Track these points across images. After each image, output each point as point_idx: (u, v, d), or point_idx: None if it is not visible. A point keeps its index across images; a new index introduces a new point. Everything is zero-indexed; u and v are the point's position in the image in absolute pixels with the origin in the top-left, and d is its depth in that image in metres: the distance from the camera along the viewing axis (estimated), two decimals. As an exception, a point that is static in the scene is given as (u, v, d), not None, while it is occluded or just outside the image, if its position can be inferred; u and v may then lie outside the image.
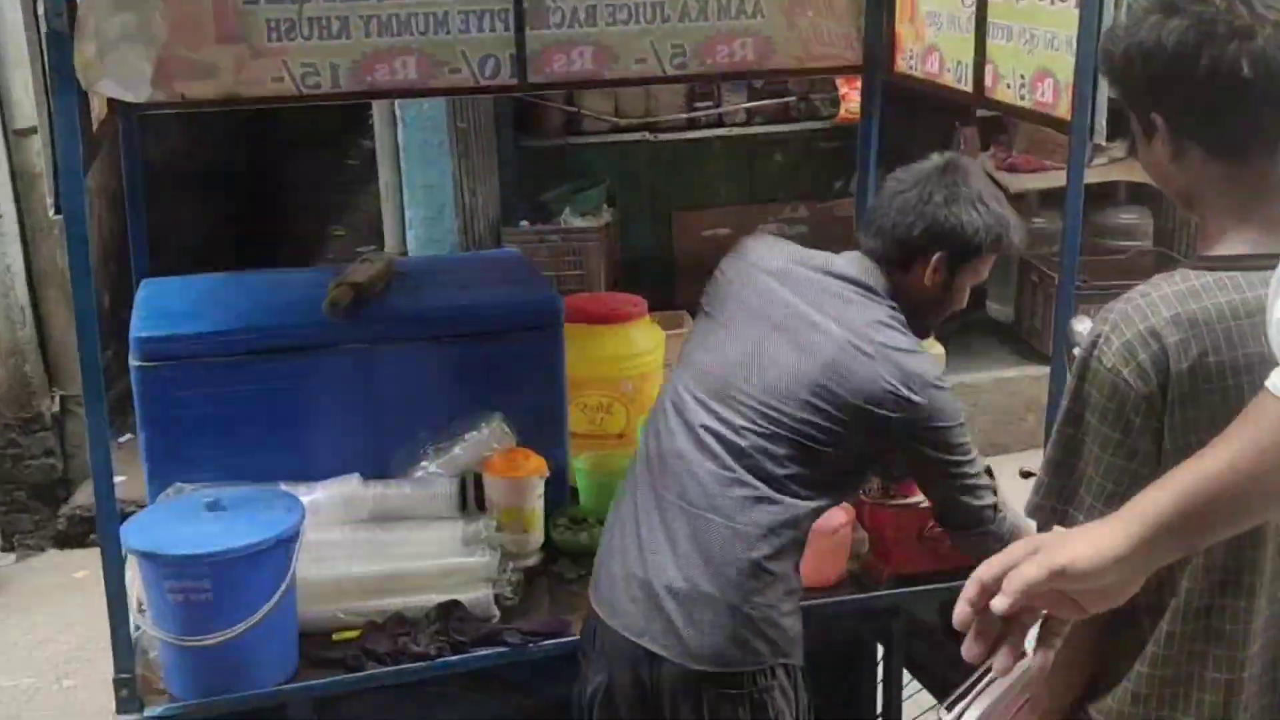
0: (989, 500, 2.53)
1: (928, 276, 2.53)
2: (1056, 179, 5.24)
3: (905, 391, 2.40)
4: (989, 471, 2.58)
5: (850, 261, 2.56)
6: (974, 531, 2.54)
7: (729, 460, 2.43)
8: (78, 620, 4.58)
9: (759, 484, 2.42)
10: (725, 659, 2.40)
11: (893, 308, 2.52)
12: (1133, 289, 1.82)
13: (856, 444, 2.47)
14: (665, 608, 2.41)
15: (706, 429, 2.46)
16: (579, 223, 5.96)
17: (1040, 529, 1.93)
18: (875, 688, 3.30)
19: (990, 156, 6.30)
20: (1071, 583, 1.39)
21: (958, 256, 2.52)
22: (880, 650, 3.21)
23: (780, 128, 6.35)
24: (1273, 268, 1.77)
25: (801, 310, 2.49)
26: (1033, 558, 1.41)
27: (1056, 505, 1.86)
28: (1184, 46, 1.74)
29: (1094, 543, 1.40)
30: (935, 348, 3.18)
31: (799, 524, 2.46)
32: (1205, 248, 1.83)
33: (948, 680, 2.96)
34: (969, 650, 1.45)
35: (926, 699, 3.21)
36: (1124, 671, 1.88)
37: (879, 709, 3.31)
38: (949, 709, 2.33)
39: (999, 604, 1.40)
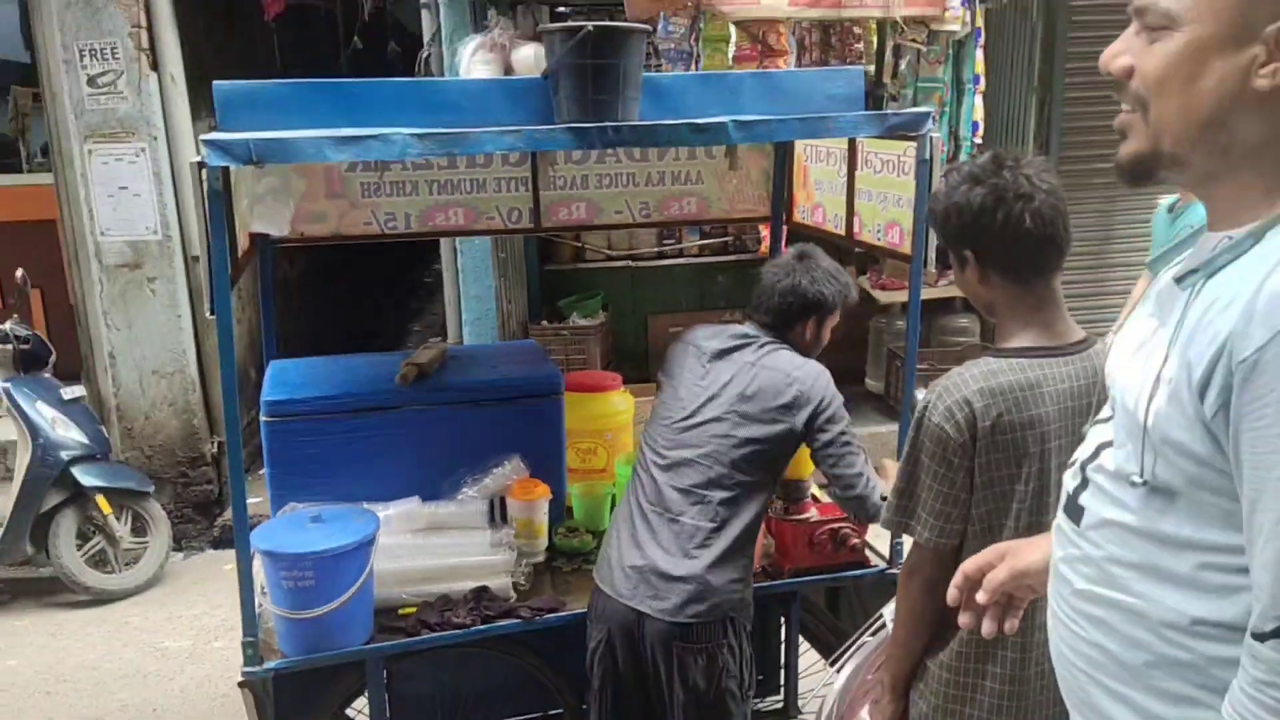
0: (865, 469, 2.47)
1: (806, 333, 2.59)
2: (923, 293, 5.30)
3: (805, 388, 2.44)
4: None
5: (752, 327, 2.61)
6: (857, 490, 2.45)
7: (689, 480, 2.45)
8: (225, 602, 4.52)
9: (712, 495, 2.44)
10: (689, 613, 2.40)
11: (781, 345, 2.57)
12: (951, 370, 1.85)
13: (778, 442, 2.46)
14: (650, 580, 2.42)
15: (673, 460, 2.49)
16: (583, 322, 5.98)
17: (892, 534, 1.95)
18: (780, 647, 3.28)
19: (867, 278, 6.35)
20: (1029, 579, 1.40)
21: (823, 316, 2.60)
22: (783, 621, 3.19)
23: (722, 258, 6.40)
24: (1047, 356, 1.81)
25: (719, 365, 2.53)
26: (1002, 564, 1.43)
27: (901, 519, 1.88)
28: (985, 206, 1.79)
29: (1041, 550, 1.40)
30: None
31: (745, 522, 2.47)
32: (1001, 342, 1.87)
33: (830, 643, 2.98)
34: (962, 620, 1.48)
35: (814, 656, 3.19)
36: (949, 636, 1.88)
37: (783, 662, 3.28)
38: (833, 663, 2.34)
39: (981, 598, 1.43)
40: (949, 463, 1.79)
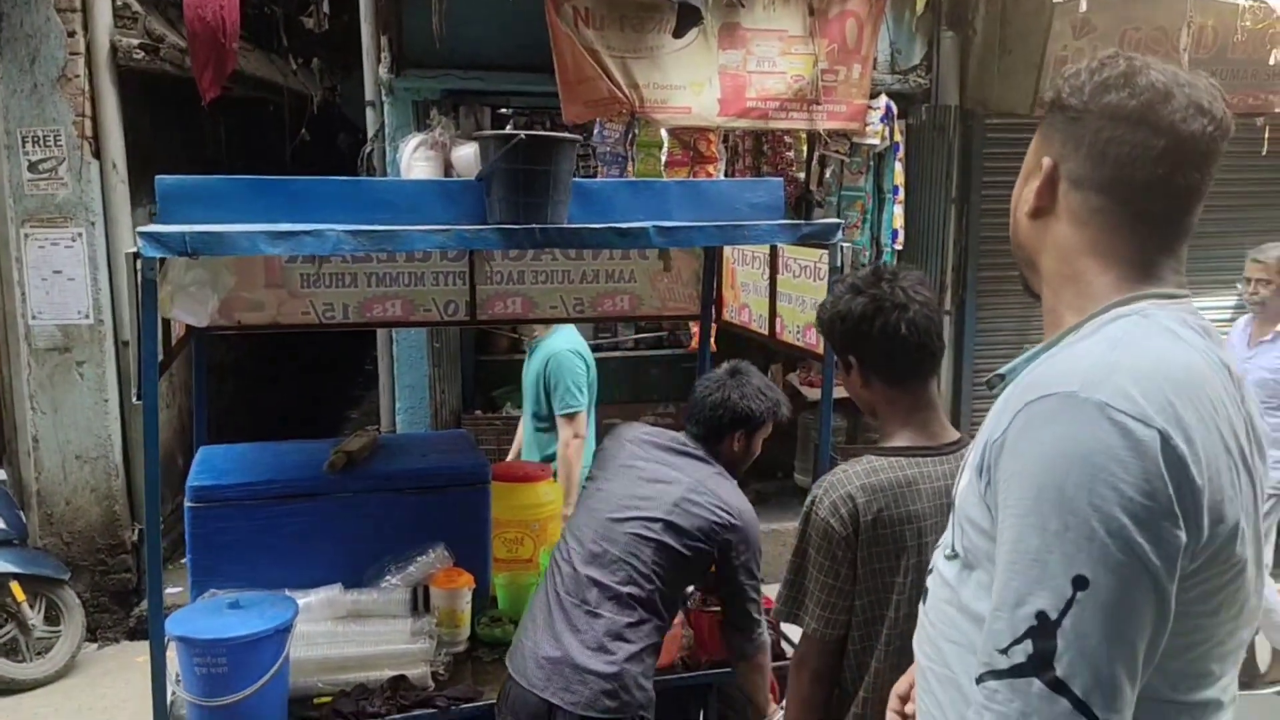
0: (760, 616, 2.60)
1: (735, 445, 2.66)
2: (839, 391, 5.43)
3: (730, 519, 2.50)
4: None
5: (687, 438, 2.67)
6: (747, 635, 2.58)
7: (608, 574, 2.48)
8: (136, 694, 4.37)
9: (629, 591, 2.47)
10: (600, 708, 2.41)
11: (718, 468, 2.62)
12: (836, 467, 1.95)
13: (694, 564, 2.53)
14: (564, 672, 2.43)
15: (595, 552, 2.52)
16: (516, 413, 5.93)
17: (784, 621, 2.01)
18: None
19: (796, 374, 6.51)
20: None
21: (752, 430, 2.67)
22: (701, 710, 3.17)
23: (656, 352, 6.48)
24: (923, 456, 1.92)
25: (656, 468, 2.59)
26: None
27: (791, 610, 1.95)
28: (864, 315, 1.93)
29: None
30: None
31: (655, 621, 2.51)
32: (883, 441, 1.97)
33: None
34: None
35: None
36: (843, 715, 1.94)
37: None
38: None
39: (909, 709, 1.51)
40: (834, 555, 1.87)
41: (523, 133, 2.50)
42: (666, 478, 2.56)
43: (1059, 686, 1.00)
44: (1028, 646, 1.02)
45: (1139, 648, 1.02)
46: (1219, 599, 1.10)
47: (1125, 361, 1.07)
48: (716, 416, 2.64)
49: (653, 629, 2.51)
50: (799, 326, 3.24)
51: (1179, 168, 1.13)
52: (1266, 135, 5.64)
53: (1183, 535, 1.01)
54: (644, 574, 2.48)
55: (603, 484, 2.66)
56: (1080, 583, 1.00)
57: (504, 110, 5.66)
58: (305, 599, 2.76)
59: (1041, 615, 1.02)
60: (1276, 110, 5.57)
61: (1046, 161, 1.21)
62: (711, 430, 2.65)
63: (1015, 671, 1.03)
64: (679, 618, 2.95)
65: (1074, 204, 1.19)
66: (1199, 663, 1.12)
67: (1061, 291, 1.22)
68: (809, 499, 1.93)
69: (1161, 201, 1.16)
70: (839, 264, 2.77)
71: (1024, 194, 1.25)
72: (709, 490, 2.53)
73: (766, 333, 3.48)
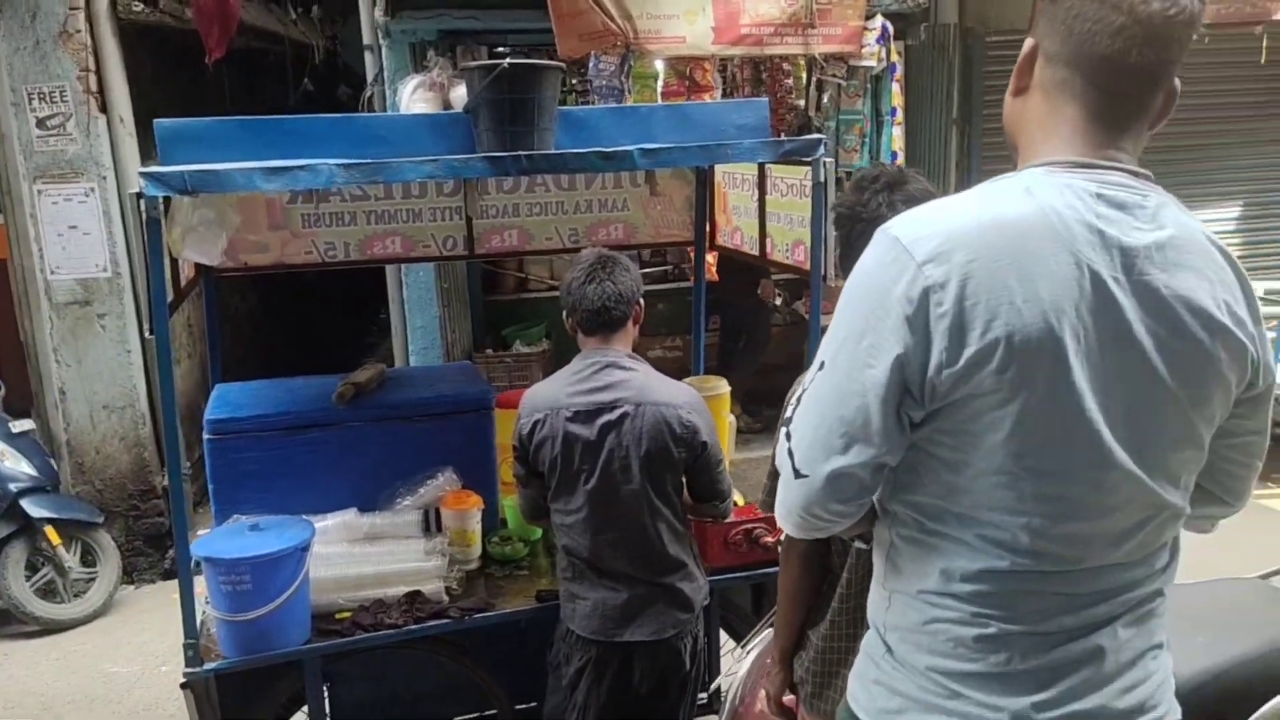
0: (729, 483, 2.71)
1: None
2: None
3: (689, 418, 2.56)
4: None
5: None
6: (722, 504, 2.71)
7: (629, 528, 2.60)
8: (172, 629, 4.48)
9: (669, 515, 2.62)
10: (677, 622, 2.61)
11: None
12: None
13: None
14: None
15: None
16: (525, 350, 6.13)
17: (766, 511, 2.13)
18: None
19: (802, 302, 6.56)
20: None
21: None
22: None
23: (661, 286, 6.52)
24: None
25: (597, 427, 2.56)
26: None
27: (772, 499, 2.05)
28: (839, 220, 2.00)
29: None
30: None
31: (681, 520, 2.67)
32: None
33: (741, 632, 3.14)
34: None
35: (730, 643, 3.29)
36: (825, 611, 2.05)
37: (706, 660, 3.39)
38: (743, 646, 2.51)
39: None
40: None
41: (506, 61, 2.56)
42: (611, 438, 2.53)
43: (788, 435, 1.36)
44: (793, 404, 1.38)
45: (839, 427, 1.27)
46: (985, 421, 1.23)
47: (939, 208, 1.27)
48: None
49: (684, 525, 2.71)
50: (788, 244, 3.31)
51: (1134, 45, 1.22)
52: (1265, 44, 5.58)
53: (898, 347, 1.22)
54: (669, 490, 2.64)
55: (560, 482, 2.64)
56: (820, 365, 1.31)
57: (501, 49, 5.69)
58: (323, 523, 2.88)
59: (804, 386, 1.35)
60: (1275, 18, 5.50)
61: (1028, 42, 1.31)
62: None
63: (783, 421, 1.43)
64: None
65: (1045, 78, 1.29)
66: (978, 485, 1.26)
67: (1020, 164, 1.33)
68: (789, 394, 2.01)
69: (1115, 77, 1.24)
70: (822, 179, 2.82)
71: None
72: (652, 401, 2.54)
73: (757, 253, 3.54)
